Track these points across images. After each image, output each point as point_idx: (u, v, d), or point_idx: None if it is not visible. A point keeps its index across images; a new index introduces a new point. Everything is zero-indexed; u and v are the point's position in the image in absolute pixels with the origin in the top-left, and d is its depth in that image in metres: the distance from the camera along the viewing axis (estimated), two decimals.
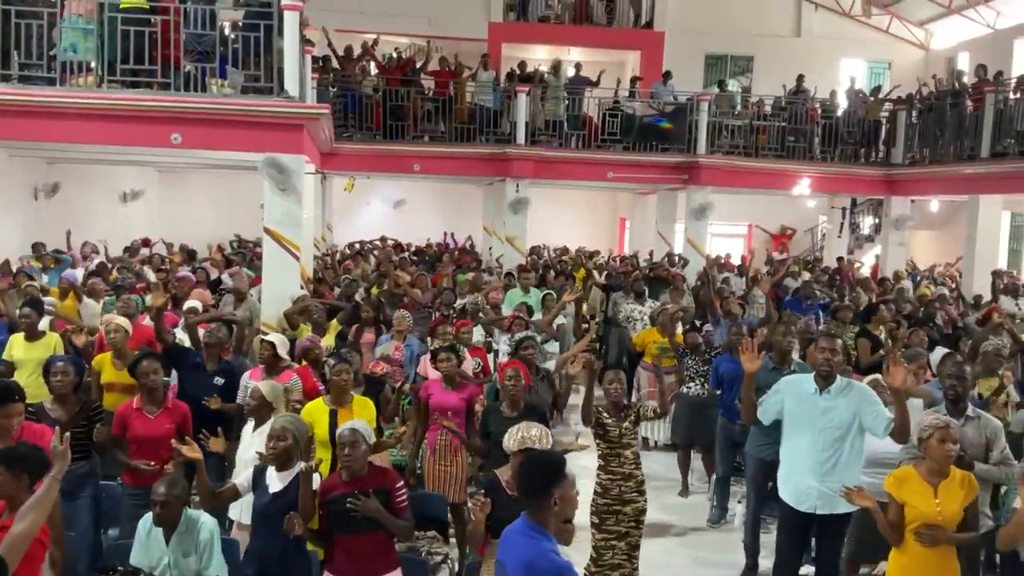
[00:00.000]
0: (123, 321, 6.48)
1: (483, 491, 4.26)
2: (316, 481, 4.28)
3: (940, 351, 6.83)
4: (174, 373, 6.37)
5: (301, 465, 4.29)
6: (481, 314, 8.73)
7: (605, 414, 5.49)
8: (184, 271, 10.74)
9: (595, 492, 5.50)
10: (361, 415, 5.20)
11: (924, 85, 16.14)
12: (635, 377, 9.28)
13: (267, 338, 6.20)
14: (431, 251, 16.71)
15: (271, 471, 4.41)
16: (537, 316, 9.02)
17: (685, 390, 8.06)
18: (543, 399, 6.34)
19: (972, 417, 5.12)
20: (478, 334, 8.09)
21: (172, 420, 5.31)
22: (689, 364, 8.03)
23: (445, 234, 20.76)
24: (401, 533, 4.35)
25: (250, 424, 5.24)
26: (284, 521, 4.11)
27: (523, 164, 15.09)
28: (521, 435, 4.27)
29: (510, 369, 5.52)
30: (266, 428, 4.92)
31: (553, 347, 8.34)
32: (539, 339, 7.31)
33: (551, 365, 7.46)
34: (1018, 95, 13.13)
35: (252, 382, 5.88)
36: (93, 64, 8.70)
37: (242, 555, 4.58)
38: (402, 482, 4.38)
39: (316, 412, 5.31)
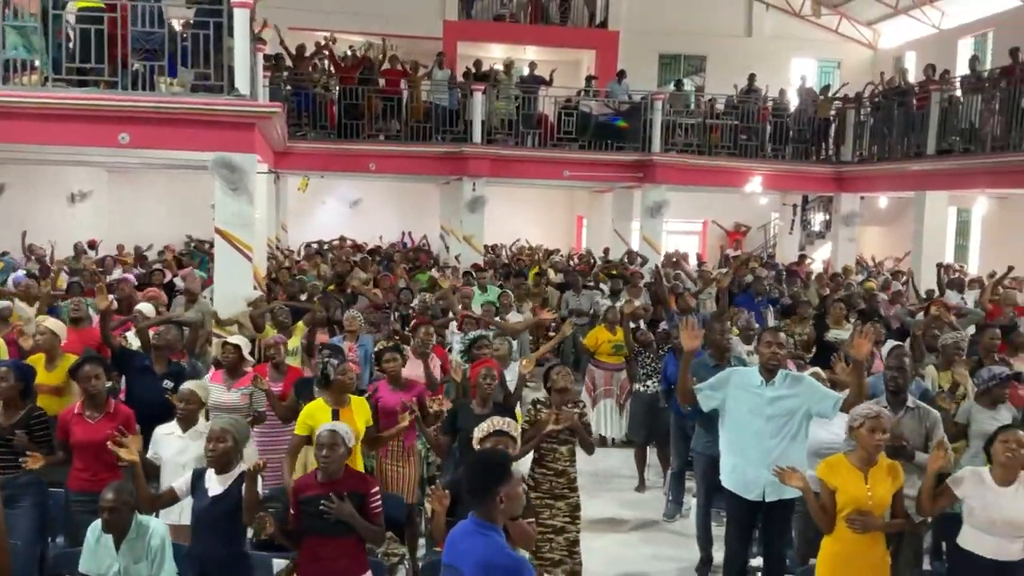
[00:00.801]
0: (54, 323, 6.32)
1: (447, 489, 4.26)
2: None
3: (891, 343, 6.97)
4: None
5: (243, 467, 4.25)
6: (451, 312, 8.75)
7: (546, 410, 5.50)
8: (119, 272, 10.52)
9: (528, 486, 5.53)
10: (360, 415, 5.24)
11: (870, 84, 16.47)
12: (588, 375, 9.31)
13: (231, 341, 6.11)
14: (385, 251, 16.62)
15: (210, 474, 4.35)
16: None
17: (641, 388, 8.13)
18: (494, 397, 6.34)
19: (912, 408, 5.26)
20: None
21: (114, 424, 5.20)
22: (644, 362, 8.09)
23: (403, 234, 20.68)
24: (372, 538, 4.32)
25: (170, 426, 5.15)
26: (226, 530, 4.07)
27: (479, 163, 15.10)
28: (491, 422, 4.37)
29: (484, 368, 5.56)
30: (201, 429, 4.94)
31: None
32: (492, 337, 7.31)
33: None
34: (962, 93, 13.47)
35: (212, 384, 5.81)
36: (38, 63, 8.51)
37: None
38: (377, 488, 4.35)
39: (318, 412, 5.21)
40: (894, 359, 5.44)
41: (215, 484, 4.33)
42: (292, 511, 4.28)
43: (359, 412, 5.28)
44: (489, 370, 5.56)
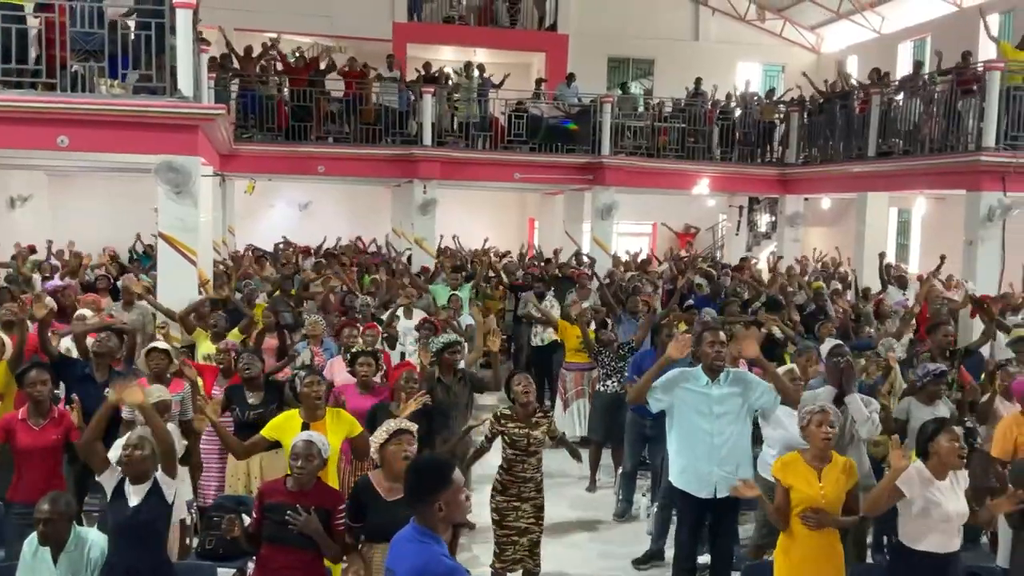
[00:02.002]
0: None
1: (355, 494, 4.25)
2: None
3: (830, 341, 7.12)
4: None
5: (160, 476, 4.21)
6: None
7: (511, 424, 5.47)
8: (67, 279, 10.28)
9: (494, 489, 5.55)
10: (336, 430, 5.05)
11: (804, 74, 16.79)
12: (560, 379, 9.29)
13: (159, 347, 6.00)
14: (327, 251, 16.37)
15: (127, 483, 4.25)
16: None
17: (601, 388, 8.16)
18: (459, 400, 6.31)
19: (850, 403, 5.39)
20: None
21: (59, 431, 5.10)
22: (604, 361, 8.11)
23: (357, 238, 20.47)
24: (332, 556, 4.23)
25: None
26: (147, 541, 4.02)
27: (430, 165, 15.06)
28: (389, 424, 4.30)
29: (405, 372, 5.55)
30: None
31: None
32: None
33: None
34: (901, 96, 13.81)
35: None
36: None
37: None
38: (344, 505, 4.29)
39: (286, 423, 5.07)
40: (835, 356, 5.58)
41: (133, 495, 4.23)
42: (256, 515, 4.23)
43: (334, 427, 5.08)
44: (410, 373, 5.56)
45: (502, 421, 5.49)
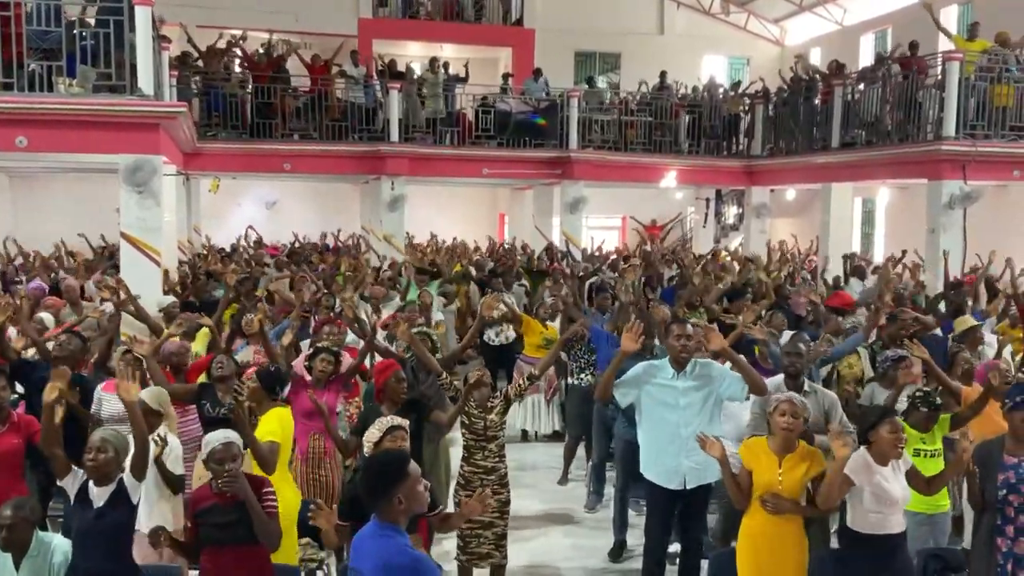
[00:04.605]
0: None
1: (348, 500, 4.23)
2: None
3: (788, 333, 7.20)
4: None
5: (125, 477, 4.16)
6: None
7: (472, 407, 5.51)
8: (36, 281, 10.11)
9: (458, 483, 5.55)
10: (267, 425, 5.07)
11: (779, 73, 16.91)
12: (516, 370, 9.31)
13: (126, 348, 5.92)
14: (301, 251, 16.27)
15: (91, 486, 4.19)
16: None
17: (575, 381, 8.17)
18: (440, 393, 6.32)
19: (809, 392, 5.47)
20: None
21: (20, 435, 5.01)
22: (577, 355, 8.11)
23: (324, 235, 20.35)
24: (267, 532, 4.16)
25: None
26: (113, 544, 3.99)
27: (398, 162, 15.00)
28: (381, 422, 4.32)
29: (394, 372, 5.49)
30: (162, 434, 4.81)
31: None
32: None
33: None
34: (863, 87, 13.98)
35: (106, 394, 5.63)
36: None
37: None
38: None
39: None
40: (791, 345, 5.65)
41: (97, 496, 4.16)
42: (189, 524, 4.19)
43: (267, 422, 5.11)
44: (398, 373, 5.50)
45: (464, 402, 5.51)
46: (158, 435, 4.80)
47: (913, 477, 4.54)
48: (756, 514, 4.52)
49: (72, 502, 4.26)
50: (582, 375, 8.06)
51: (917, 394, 5.23)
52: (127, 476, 4.20)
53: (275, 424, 5.10)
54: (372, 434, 4.31)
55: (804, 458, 4.51)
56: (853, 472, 4.33)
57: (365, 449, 4.36)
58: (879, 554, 4.42)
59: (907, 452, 4.59)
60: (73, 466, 4.30)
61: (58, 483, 4.37)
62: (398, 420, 4.39)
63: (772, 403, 4.57)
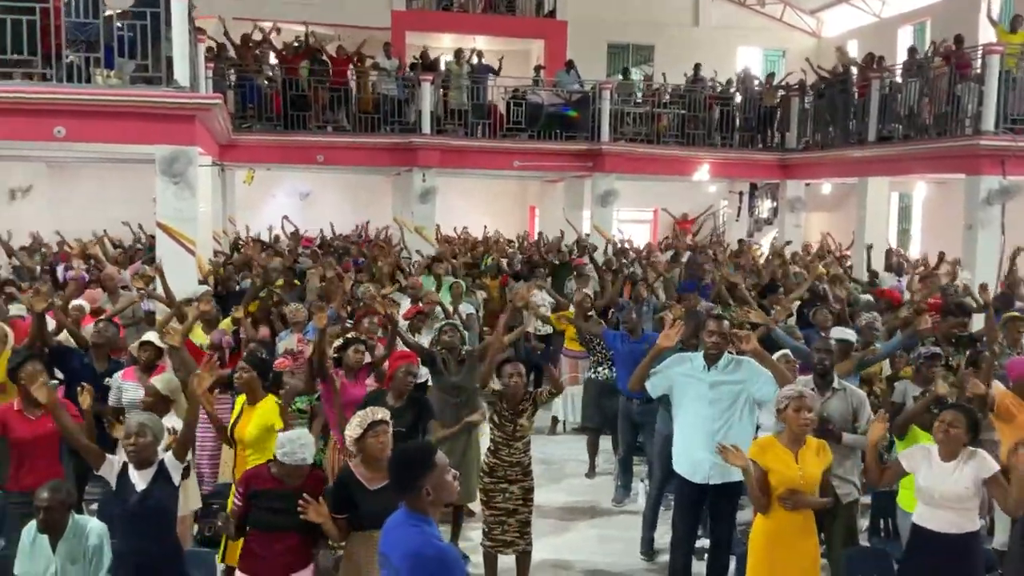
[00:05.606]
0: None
1: (339, 485, 4.28)
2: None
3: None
4: None
5: (165, 456, 4.26)
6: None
7: (503, 405, 5.51)
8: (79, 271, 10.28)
9: (482, 471, 5.59)
10: (258, 418, 5.19)
11: (807, 59, 16.69)
12: (556, 363, 9.31)
13: (146, 339, 6.02)
14: (338, 245, 16.39)
15: (132, 470, 4.30)
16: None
17: (593, 375, 8.19)
18: (464, 383, 6.35)
19: (838, 389, 5.41)
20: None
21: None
22: (596, 348, 8.14)
23: (357, 226, 20.47)
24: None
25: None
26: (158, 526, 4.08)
27: (429, 154, 15.04)
28: (364, 415, 4.30)
29: (405, 364, 5.55)
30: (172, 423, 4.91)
31: None
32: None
33: None
34: (901, 80, 13.75)
35: (126, 383, 5.73)
36: None
37: None
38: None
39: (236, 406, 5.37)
40: (821, 342, 5.60)
41: (139, 480, 4.28)
42: (240, 503, 4.25)
43: (258, 416, 5.23)
44: (409, 366, 5.55)
45: (494, 402, 5.53)
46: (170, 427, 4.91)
47: (993, 485, 4.33)
48: (772, 512, 4.47)
49: (113, 488, 4.36)
50: (599, 368, 8.09)
51: (928, 394, 5.24)
52: (168, 457, 4.30)
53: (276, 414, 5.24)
54: (353, 430, 4.28)
55: (816, 452, 4.49)
56: (905, 457, 4.40)
57: (347, 443, 4.35)
58: (931, 549, 4.39)
59: (993, 459, 4.43)
60: (107, 454, 4.40)
61: (96, 472, 4.48)
62: (380, 414, 4.34)
63: (782, 401, 4.51)
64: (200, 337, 7.20)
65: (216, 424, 5.56)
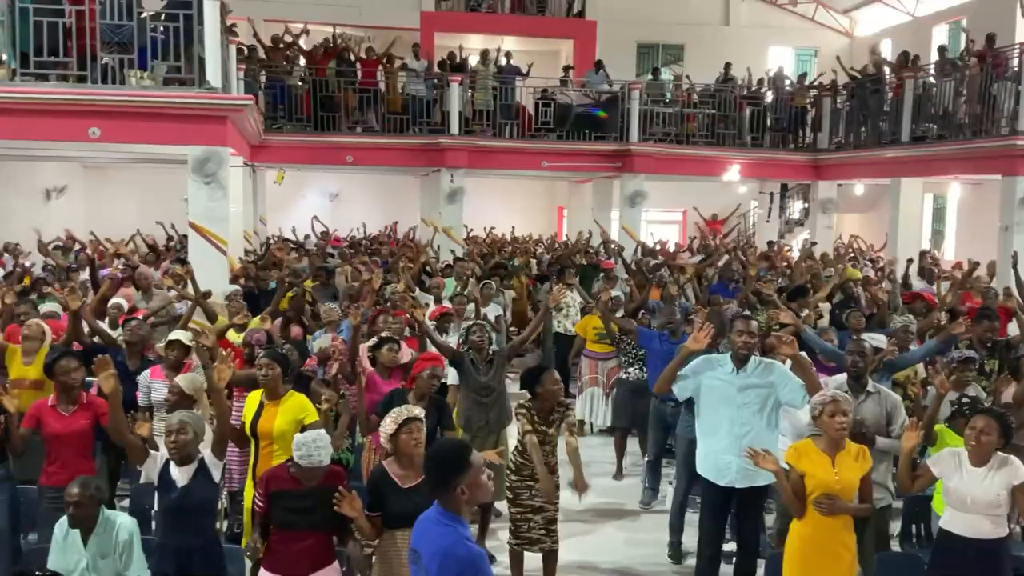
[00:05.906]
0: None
1: (372, 484, 4.27)
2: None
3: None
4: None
5: (204, 453, 4.28)
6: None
7: (536, 416, 5.42)
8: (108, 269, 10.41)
9: (508, 468, 5.56)
10: (285, 414, 5.13)
11: (837, 58, 16.50)
12: (578, 365, 9.32)
13: (173, 338, 6.07)
14: (368, 245, 16.50)
15: (173, 466, 4.37)
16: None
17: (624, 375, 8.16)
18: (493, 384, 6.36)
19: (872, 392, 5.32)
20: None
21: (89, 416, 5.20)
22: (626, 348, 8.11)
23: (386, 226, 20.59)
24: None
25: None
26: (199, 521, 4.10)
27: (457, 154, 15.08)
28: (399, 412, 4.29)
29: (430, 367, 5.51)
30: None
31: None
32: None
33: None
34: (934, 80, 13.56)
35: (155, 381, 5.78)
36: (4, 56, 8.43)
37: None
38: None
39: (248, 401, 5.30)
40: (855, 344, 5.51)
41: (180, 476, 4.35)
42: (261, 503, 4.28)
43: (285, 411, 5.16)
44: (435, 368, 5.52)
45: (529, 412, 5.43)
46: None
47: (1020, 493, 4.24)
48: (809, 517, 4.41)
49: (156, 483, 4.43)
50: (630, 368, 8.05)
51: (963, 399, 5.18)
52: (207, 454, 4.38)
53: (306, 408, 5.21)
54: (387, 426, 4.29)
55: (856, 456, 4.43)
56: (934, 463, 4.33)
57: (382, 440, 4.36)
58: (959, 554, 4.32)
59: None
60: (151, 450, 4.47)
61: (138, 467, 4.55)
62: (416, 411, 4.35)
63: (816, 407, 4.46)
64: (233, 336, 7.27)
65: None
